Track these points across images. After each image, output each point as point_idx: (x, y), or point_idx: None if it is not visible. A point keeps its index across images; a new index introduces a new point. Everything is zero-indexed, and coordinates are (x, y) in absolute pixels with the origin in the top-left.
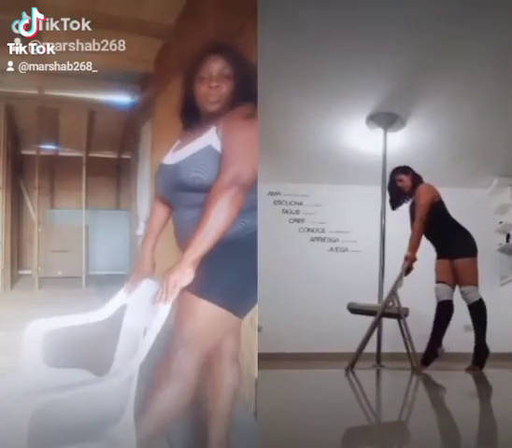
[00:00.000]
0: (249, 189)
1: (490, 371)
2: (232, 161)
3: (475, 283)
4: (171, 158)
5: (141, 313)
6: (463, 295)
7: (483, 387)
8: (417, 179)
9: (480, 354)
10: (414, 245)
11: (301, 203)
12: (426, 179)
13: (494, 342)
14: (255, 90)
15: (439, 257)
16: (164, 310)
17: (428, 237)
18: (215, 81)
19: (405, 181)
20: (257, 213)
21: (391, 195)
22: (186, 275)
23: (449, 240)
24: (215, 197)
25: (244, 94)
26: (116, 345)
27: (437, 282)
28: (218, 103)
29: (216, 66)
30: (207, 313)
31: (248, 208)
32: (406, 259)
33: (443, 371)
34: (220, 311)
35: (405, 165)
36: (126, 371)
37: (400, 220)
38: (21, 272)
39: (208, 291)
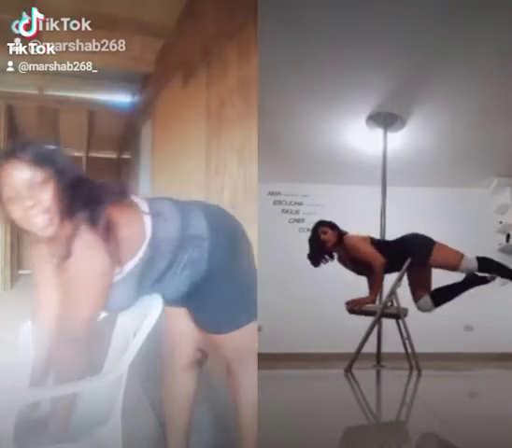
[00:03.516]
0: (81, 337)
1: (490, 372)
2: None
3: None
4: None
5: (132, 316)
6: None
7: (482, 387)
8: (341, 236)
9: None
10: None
11: (301, 203)
12: (426, 179)
13: (494, 342)
14: (93, 197)
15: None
16: (153, 314)
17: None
18: (28, 199)
19: (330, 235)
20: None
21: (311, 249)
22: None
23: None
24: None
25: (76, 204)
26: (109, 347)
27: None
28: (50, 225)
29: (18, 176)
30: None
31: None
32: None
33: (443, 370)
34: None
35: (331, 221)
36: (115, 371)
37: (400, 220)
38: (21, 271)
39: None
